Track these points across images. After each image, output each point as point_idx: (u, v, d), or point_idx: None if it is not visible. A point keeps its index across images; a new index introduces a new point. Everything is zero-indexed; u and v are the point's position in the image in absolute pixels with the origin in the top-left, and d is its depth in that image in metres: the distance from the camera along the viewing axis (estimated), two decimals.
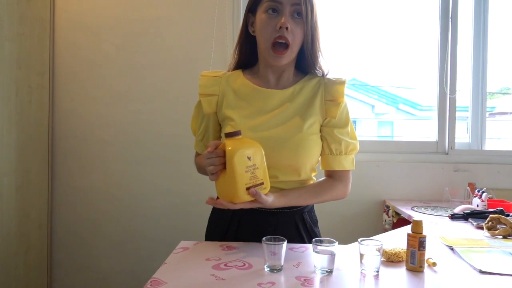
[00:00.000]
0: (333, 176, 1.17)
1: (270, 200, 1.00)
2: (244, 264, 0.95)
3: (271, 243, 0.91)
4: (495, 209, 1.52)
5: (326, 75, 1.16)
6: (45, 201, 2.12)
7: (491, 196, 1.76)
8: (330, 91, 1.13)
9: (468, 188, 1.95)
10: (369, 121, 3.38)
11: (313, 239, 0.93)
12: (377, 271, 0.91)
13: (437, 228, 1.44)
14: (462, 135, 2.27)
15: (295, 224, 1.15)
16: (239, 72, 1.19)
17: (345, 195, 1.18)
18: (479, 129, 2.22)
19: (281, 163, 1.08)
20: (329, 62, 1.16)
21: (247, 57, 1.18)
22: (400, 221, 1.88)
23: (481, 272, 0.95)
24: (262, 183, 0.98)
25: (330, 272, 0.91)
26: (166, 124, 2.13)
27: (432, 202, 2.01)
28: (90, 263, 2.18)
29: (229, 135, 0.98)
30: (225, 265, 0.95)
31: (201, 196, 2.05)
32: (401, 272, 0.93)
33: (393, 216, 1.95)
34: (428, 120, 2.32)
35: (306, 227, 1.17)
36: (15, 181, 1.89)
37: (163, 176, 2.14)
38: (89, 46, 2.16)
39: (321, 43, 1.13)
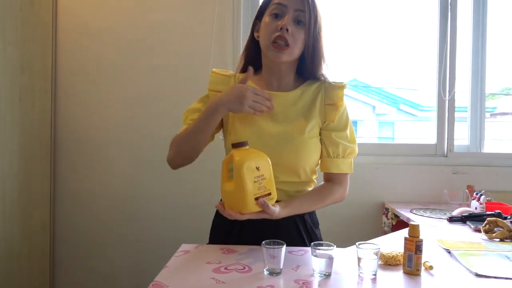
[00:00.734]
0: (332, 180, 1.20)
1: (277, 210, 1.02)
2: (244, 268, 0.97)
3: (270, 247, 0.93)
4: (493, 212, 1.54)
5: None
6: (47, 203, 2.14)
7: (489, 198, 1.77)
8: (330, 95, 1.17)
9: (466, 190, 1.96)
10: (370, 122, 3.40)
11: (312, 243, 0.94)
12: (375, 274, 0.93)
13: (435, 230, 1.46)
14: (463, 136, 2.28)
15: (295, 225, 1.18)
16: None
17: (343, 198, 1.21)
18: (478, 132, 2.24)
19: (281, 164, 1.10)
20: (332, 71, 1.19)
21: (253, 62, 1.22)
22: (399, 223, 1.89)
23: (477, 275, 0.96)
24: (269, 194, 0.99)
25: (328, 275, 0.92)
26: (168, 127, 2.14)
27: (431, 204, 2.02)
28: (92, 264, 2.20)
29: (236, 145, 0.99)
30: (226, 268, 0.97)
31: (202, 198, 2.10)
32: (398, 275, 0.95)
33: (392, 219, 1.96)
34: (428, 121, 2.33)
35: (307, 228, 1.20)
36: (18, 183, 1.91)
37: (165, 178, 2.16)
38: (91, 50, 2.18)
39: (325, 53, 1.16)
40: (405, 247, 0.96)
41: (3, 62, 1.79)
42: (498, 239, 1.30)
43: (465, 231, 1.44)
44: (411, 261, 0.95)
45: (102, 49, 2.18)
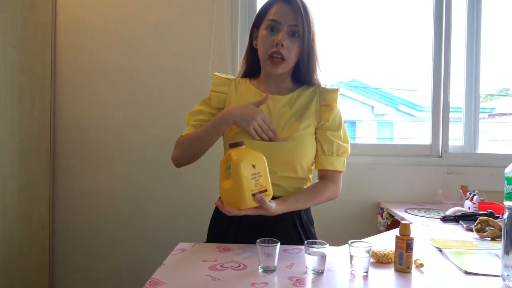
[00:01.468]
0: (325, 177, 1.26)
1: (273, 206, 1.07)
2: (239, 265, 1.00)
3: (265, 245, 0.96)
4: (485, 212, 1.56)
5: (323, 86, 1.27)
6: (47, 203, 2.16)
7: (482, 198, 1.80)
8: (325, 97, 1.25)
9: (460, 190, 1.99)
10: (369, 122, 3.42)
11: (305, 241, 0.97)
12: (366, 272, 0.95)
13: (428, 230, 1.49)
14: (458, 137, 2.30)
15: (292, 222, 1.22)
16: (246, 80, 1.32)
17: (336, 196, 1.27)
18: (472, 132, 2.26)
19: (279, 159, 1.16)
20: (325, 76, 1.27)
21: (253, 67, 1.31)
22: (394, 223, 1.92)
23: (466, 272, 0.99)
24: (265, 190, 1.05)
25: (321, 272, 0.95)
26: (167, 128, 2.17)
27: (426, 204, 2.05)
28: (91, 263, 2.22)
29: (233, 145, 1.05)
30: (221, 266, 0.99)
31: (201, 198, 2.12)
32: (389, 272, 0.98)
33: (387, 218, 1.99)
34: (425, 122, 2.35)
35: (303, 224, 1.25)
36: (17, 183, 1.93)
37: (163, 179, 2.18)
38: (90, 51, 2.20)
39: (319, 59, 1.24)
40: (396, 245, 0.99)
41: (3, 63, 1.81)
42: (490, 238, 1.32)
43: (457, 230, 1.46)
44: (402, 259, 0.97)
45: (101, 50, 2.20)
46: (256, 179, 1.02)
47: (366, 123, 3.39)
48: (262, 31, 1.21)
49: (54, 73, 2.19)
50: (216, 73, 1.32)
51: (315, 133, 1.24)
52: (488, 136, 2.53)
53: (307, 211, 1.29)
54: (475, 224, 1.39)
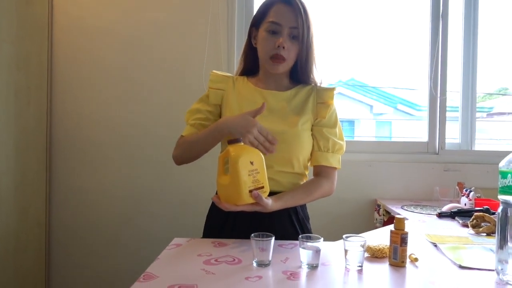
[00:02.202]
0: (320, 174, 1.27)
1: (270, 203, 1.07)
2: (234, 260, 1.00)
3: (259, 239, 0.96)
4: (481, 208, 1.57)
5: (319, 84, 1.30)
6: (43, 200, 2.16)
7: (479, 195, 1.81)
8: (321, 95, 1.27)
9: (457, 187, 1.99)
10: (368, 121, 3.42)
11: (300, 236, 0.97)
12: (361, 266, 0.95)
13: (424, 225, 1.49)
14: (456, 135, 2.30)
15: (289, 217, 1.24)
16: (244, 77, 1.33)
17: (331, 192, 1.27)
18: (469, 130, 2.27)
19: (276, 153, 1.16)
20: (322, 74, 1.29)
21: (251, 65, 1.32)
22: (391, 219, 1.92)
23: (461, 267, 0.99)
24: (262, 187, 1.05)
25: (315, 267, 0.95)
26: (163, 126, 2.17)
27: (422, 201, 2.05)
28: (87, 261, 2.22)
29: (232, 142, 1.06)
30: (216, 260, 0.99)
31: (198, 195, 2.12)
32: (384, 267, 0.98)
33: (383, 215, 1.99)
34: (424, 121, 2.35)
35: (299, 219, 1.26)
36: (13, 180, 1.93)
37: (160, 176, 2.18)
38: (87, 48, 2.20)
39: (316, 58, 1.26)
40: (390, 239, 0.99)
41: None
42: (485, 234, 1.33)
43: (453, 226, 1.47)
44: (396, 253, 0.97)
45: (98, 47, 2.20)
46: (253, 176, 1.03)
47: (365, 122, 3.39)
48: (263, 32, 1.22)
49: (51, 70, 2.19)
50: (213, 71, 1.33)
51: (311, 130, 1.25)
52: (486, 135, 2.53)
53: (303, 206, 1.30)
54: (471, 220, 1.39)
